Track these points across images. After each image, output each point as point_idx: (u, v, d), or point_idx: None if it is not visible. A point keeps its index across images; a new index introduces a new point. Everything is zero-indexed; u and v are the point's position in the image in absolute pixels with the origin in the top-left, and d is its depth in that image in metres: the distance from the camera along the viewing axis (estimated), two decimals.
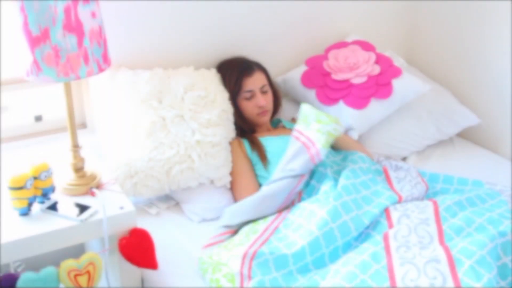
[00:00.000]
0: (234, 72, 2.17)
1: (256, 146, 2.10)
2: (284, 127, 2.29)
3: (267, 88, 2.21)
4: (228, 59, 2.26)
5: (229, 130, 2.09)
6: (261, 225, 1.79)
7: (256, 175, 2.06)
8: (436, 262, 1.47)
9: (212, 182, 2.04)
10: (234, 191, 2.05)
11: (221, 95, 2.11)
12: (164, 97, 2.01)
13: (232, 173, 2.06)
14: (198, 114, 2.01)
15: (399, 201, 1.79)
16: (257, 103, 2.15)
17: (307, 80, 2.35)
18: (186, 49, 2.25)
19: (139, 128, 1.96)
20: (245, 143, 2.13)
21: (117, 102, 2.01)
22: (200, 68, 2.22)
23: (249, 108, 2.16)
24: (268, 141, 2.12)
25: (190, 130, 1.98)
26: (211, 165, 1.98)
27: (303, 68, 2.42)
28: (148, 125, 1.95)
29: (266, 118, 2.20)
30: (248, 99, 2.16)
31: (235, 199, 2.04)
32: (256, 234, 1.74)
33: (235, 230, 1.85)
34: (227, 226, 1.84)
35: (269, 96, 2.21)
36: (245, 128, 2.19)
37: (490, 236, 1.50)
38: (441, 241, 1.56)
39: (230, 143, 2.09)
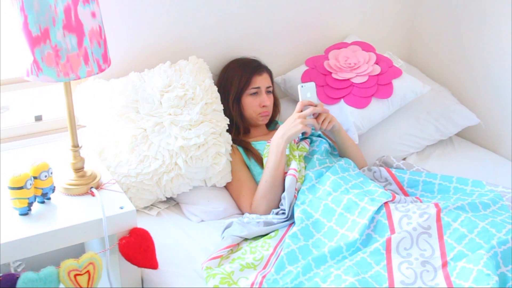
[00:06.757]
0: (248, 68, 2.18)
1: (252, 153, 2.09)
2: None
3: (271, 90, 2.24)
4: (243, 57, 2.27)
5: (218, 121, 2.03)
6: (272, 240, 1.78)
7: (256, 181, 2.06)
8: None
9: (206, 183, 2.03)
10: (237, 200, 2.04)
11: (202, 88, 2.04)
12: (141, 106, 1.96)
13: (233, 181, 2.05)
14: (179, 117, 1.95)
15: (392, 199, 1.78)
16: (262, 102, 2.16)
17: (307, 79, 2.35)
18: (185, 50, 2.25)
19: (121, 144, 1.93)
20: (240, 150, 2.12)
21: (97, 118, 1.99)
22: None
23: (253, 105, 2.17)
24: (263, 146, 2.10)
25: (172, 137, 1.93)
26: (199, 168, 1.96)
27: (303, 68, 2.42)
28: (130, 140, 1.92)
29: (265, 120, 2.21)
30: (253, 95, 2.16)
31: (239, 207, 2.03)
32: (269, 251, 1.73)
33: (238, 243, 1.81)
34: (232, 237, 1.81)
35: (272, 99, 2.23)
36: (240, 127, 2.17)
37: (487, 248, 1.51)
38: (443, 254, 1.58)
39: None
